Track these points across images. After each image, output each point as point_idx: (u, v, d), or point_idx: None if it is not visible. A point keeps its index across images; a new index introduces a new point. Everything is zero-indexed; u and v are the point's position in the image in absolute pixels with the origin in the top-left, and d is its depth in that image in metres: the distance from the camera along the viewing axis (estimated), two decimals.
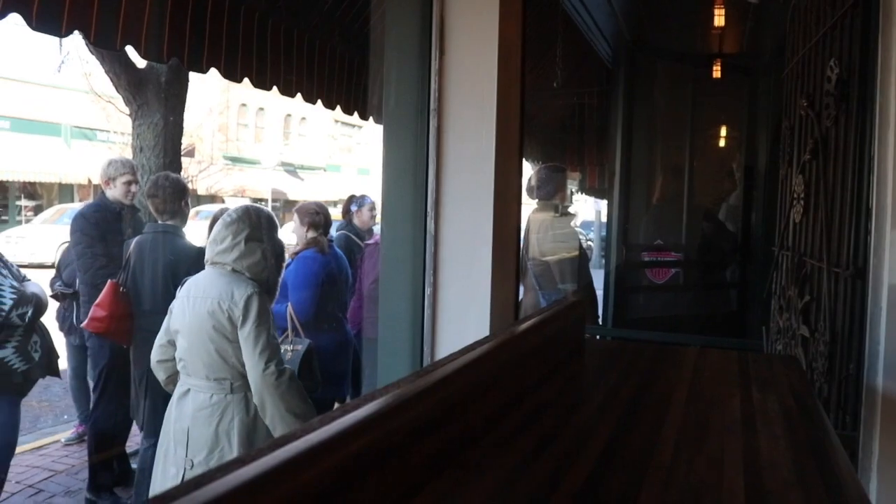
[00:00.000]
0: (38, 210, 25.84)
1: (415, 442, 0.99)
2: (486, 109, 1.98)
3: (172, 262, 3.78)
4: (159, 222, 3.93)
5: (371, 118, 4.84)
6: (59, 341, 4.52)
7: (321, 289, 4.27)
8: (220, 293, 2.75)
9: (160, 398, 3.76)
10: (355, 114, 4.92)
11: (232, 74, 3.71)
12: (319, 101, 4.50)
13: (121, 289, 3.82)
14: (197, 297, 2.79)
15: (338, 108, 4.72)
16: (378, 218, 5.95)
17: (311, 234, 4.34)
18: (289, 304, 4.12)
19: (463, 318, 1.99)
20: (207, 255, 2.89)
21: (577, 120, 7.33)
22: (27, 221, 23.08)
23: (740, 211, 5.57)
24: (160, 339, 2.95)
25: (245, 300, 2.73)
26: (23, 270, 3.78)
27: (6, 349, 3.40)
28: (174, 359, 2.88)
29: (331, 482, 0.77)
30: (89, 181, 27.02)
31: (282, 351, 3.88)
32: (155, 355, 2.97)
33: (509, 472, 1.15)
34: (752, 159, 5.45)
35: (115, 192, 4.38)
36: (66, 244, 5.12)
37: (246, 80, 3.86)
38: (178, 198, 3.95)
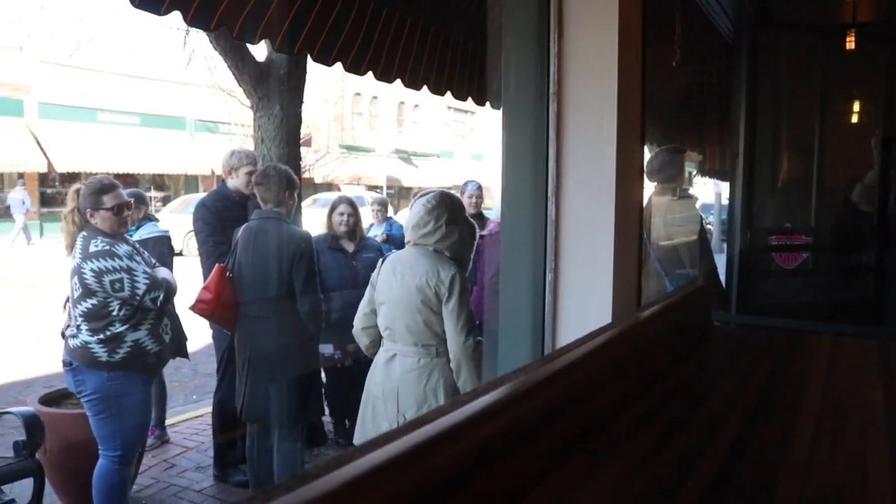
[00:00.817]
0: (166, 201, 27.23)
1: (541, 428, 0.99)
2: (606, 92, 1.94)
3: (277, 248, 3.82)
4: (262, 209, 3.98)
5: (489, 103, 4.82)
6: None
7: None
8: (427, 271, 3.09)
9: (259, 385, 3.86)
10: (469, 99, 4.90)
11: (324, 58, 3.72)
12: (425, 87, 4.48)
13: (228, 274, 3.90)
14: (404, 274, 3.13)
15: (448, 94, 4.69)
16: (486, 203, 5.95)
17: None
18: None
19: (585, 305, 1.96)
20: (409, 238, 3.22)
21: (695, 99, 7.08)
22: (156, 212, 24.33)
23: (876, 191, 5.25)
24: (364, 309, 3.34)
25: (450, 279, 3.07)
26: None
27: (140, 331, 3.56)
28: (376, 326, 3.27)
29: (462, 465, 0.77)
30: (212, 172, 28.21)
31: None
32: (359, 323, 3.37)
33: (637, 461, 1.13)
34: (890, 135, 5.12)
35: (236, 182, 4.49)
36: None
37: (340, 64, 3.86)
38: (283, 188, 3.97)
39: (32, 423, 3.83)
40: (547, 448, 1.05)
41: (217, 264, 3.94)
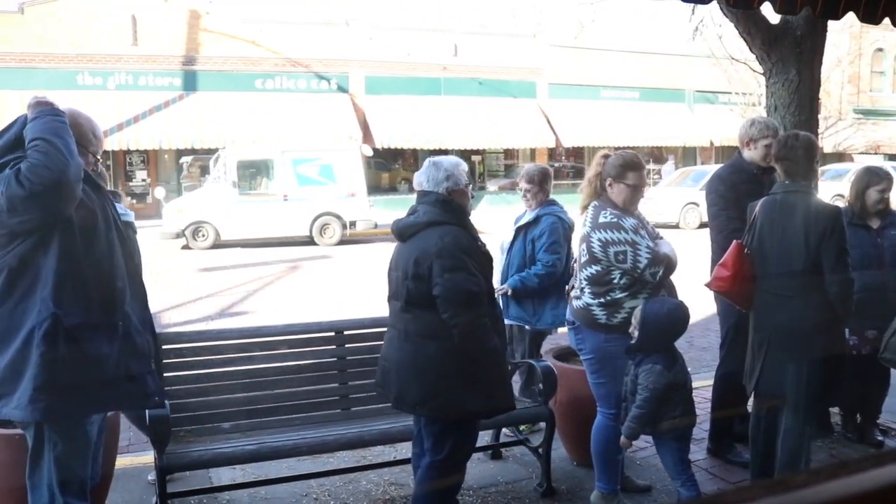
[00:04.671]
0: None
1: None
2: None
3: (802, 224, 3.55)
4: (787, 182, 3.75)
5: None
6: None
7: None
8: None
9: (778, 365, 3.63)
10: None
11: (871, 16, 3.35)
12: None
13: (745, 251, 3.76)
14: None
15: None
16: None
17: None
18: None
19: None
20: None
21: None
22: (654, 184, 24.90)
23: None
24: None
25: None
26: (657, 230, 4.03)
27: (637, 300, 3.65)
28: None
29: None
30: (711, 143, 27.89)
31: None
32: None
33: None
34: None
35: (753, 154, 4.33)
36: None
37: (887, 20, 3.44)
38: (809, 159, 3.70)
39: (548, 375, 4.23)
40: None
41: (735, 241, 3.82)
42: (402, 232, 3.43)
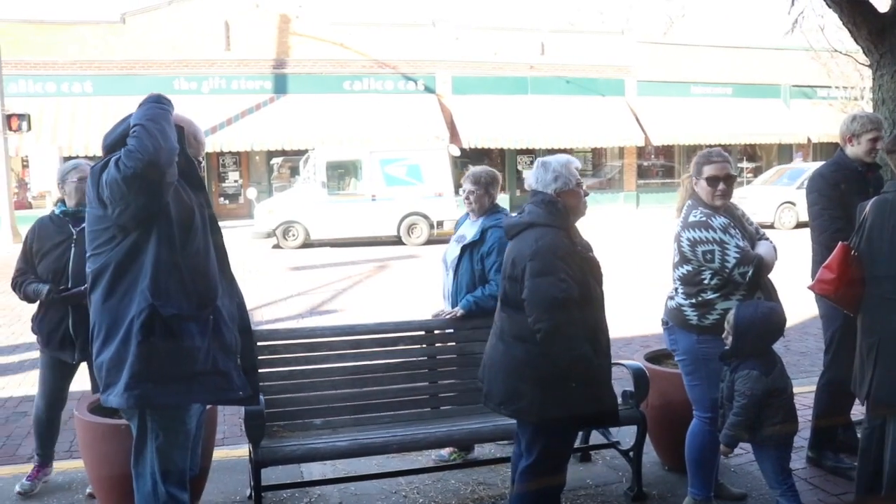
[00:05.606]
0: (757, 171, 26.86)
1: None
2: None
3: None
4: None
5: None
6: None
7: None
8: None
9: (890, 371, 3.41)
10: None
11: None
12: None
13: (852, 252, 3.57)
14: None
15: None
16: None
17: None
18: None
19: None
20: None
21: None
22: (748, 183, 24.15)
23: None
24: None
25: None
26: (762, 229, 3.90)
27: (730, 301, 3.57)
28: None
29: None
30: (808, 140, 26.88)
31: None
32: None
33: None
34: None
35: (856, 150, 4.19)
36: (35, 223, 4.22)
37: None
38: None
39: (640, 377, 4.16)
40: None
41: (840, 242, 3.63)
42: (508, 230, 3.46)
